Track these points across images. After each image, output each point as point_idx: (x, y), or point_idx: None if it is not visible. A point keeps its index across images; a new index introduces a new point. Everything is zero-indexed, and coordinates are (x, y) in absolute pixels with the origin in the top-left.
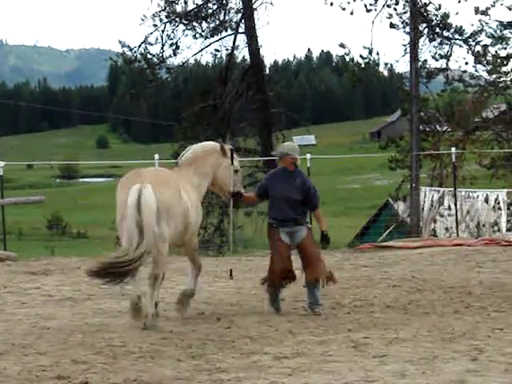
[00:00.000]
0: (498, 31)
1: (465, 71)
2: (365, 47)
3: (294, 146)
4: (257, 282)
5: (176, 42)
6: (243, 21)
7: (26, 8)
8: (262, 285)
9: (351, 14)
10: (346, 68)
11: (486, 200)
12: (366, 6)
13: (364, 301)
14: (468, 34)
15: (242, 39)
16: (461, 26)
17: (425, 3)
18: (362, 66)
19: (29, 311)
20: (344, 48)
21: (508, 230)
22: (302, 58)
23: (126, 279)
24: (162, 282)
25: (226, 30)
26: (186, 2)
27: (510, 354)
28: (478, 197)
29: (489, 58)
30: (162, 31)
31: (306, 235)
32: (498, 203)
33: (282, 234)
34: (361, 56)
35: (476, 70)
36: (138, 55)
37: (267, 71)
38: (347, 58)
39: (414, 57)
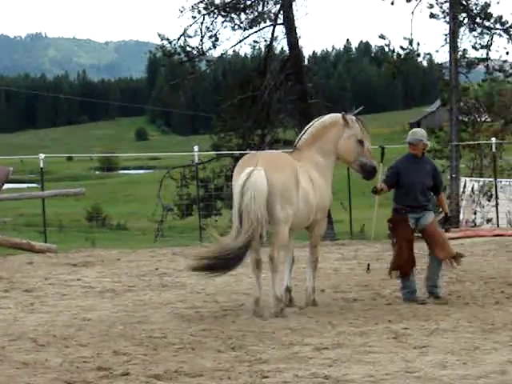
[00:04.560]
0: None
1: (505, 61)
2: (405, 38)
3: (424, 133)
4: (296, 273)
5: (215, 34)
6: (282, 12)
7: (65, 0)
8: (390, 275)
9: (392, 3)
10: (386, 59)
11: None
12: None
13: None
14: (509, 24)
15: (280, 30)
16: (501, 16)
17: None
18: (402, 57)
19: (69, 303)
20: (384, 39)
21: None
22: (341, 49)
23: (233, 268)
24: (291, 266)
25: (265, 22)
26: None
27: None
28: None
29: None
30: (201, 23)
31: (432, 219)
32: None
33: (410, 221)
34: (401, 47)
35: None
36: (178, 48)
37: (306, 62)
38: (387, 49)
39: (454, 47)
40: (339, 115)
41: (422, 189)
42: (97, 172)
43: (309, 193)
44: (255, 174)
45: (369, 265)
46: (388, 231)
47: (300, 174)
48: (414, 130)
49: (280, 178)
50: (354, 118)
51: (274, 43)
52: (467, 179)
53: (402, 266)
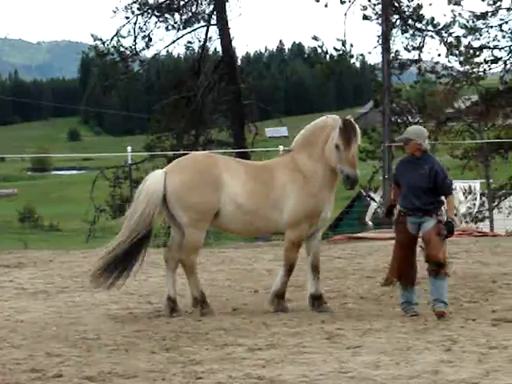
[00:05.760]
0: (471, 22)
1: (437, 62)
2: (338, 39)
3: (419, 130)
4: (229, 273)
5: (148, 35)
6: (215, 12)
7: None
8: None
9: (325, 6)
10: (319, 60)
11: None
12: None
13: (337, 292)
14: (441, 26)
15: (214, 31)
16: (433, 17)
17: None
18: (336, 58)
19: (2, 304)
20: (317, 41)
21: (480, 220)
22: (274, 50)
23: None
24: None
25: (199, 22)
26: None
27: (483, 345)
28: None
29: (461, 49)
30: (135, 23)
31: (432, 226)
32: (470, 194)
33: (409, 224)
34: (334, 48)
35: (448, 61)
36: (111, 48)
37: (239, 63)
38: (320, 51)
39: (386, 48)
40: (330, 117)
41: (415, 191)
42: (29, 173)
43: (240, 197)
44: (151, 178)
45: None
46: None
47: (231, 177)
48: (410, 127)
49: (177, 180)
50: (339, 120)
51: (207, 44)
52: None
53: (393, 270)
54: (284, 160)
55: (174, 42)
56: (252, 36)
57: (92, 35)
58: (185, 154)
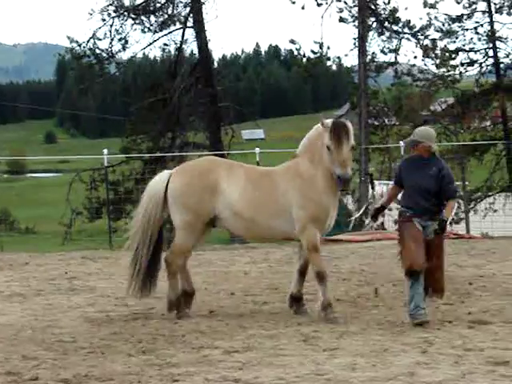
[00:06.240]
0: (447, 25)
1: (413, 65)
2: (315, 42)
3: (428, 132)
4: (206, 276)
5: (125, 37)
6: (191, 15)
7: None
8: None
9: (302, 8)
10: (296, 63)
11: None
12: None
13: (314, 294)
14: (417, 28)
15: (190, 33)
16: (409, 20)
17: None
18: (313, 61)
19: None
20: (294, 44)
21: (456, 222)
22: (251, 53)
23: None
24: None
25: (175, 24)
26: None
27: (459, 347)
28: None
29: (437, 51)
30: (111, 26)
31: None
32: None
33: (415, 223)
34: (312, 51)
35: (425, 64)
36: (87, 50)
37: (215, 65)
38: (298, 54)
39: (363, 51)
40: (327, 120)
41: (422, 193)
42: (5, 175)
43: (237, 205)
44: (157, 178)
45: (376, 289)
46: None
47: (230, 184)
48: (418, 129)
49: (176, 182)
50: (329, 121)
51: (183, 46)
52: (376, 182)
53: (412, 262)
54: (288, 166)
55: (150, 44)
56: (228, 38)
57: (68, 37)
58: (161, 157)
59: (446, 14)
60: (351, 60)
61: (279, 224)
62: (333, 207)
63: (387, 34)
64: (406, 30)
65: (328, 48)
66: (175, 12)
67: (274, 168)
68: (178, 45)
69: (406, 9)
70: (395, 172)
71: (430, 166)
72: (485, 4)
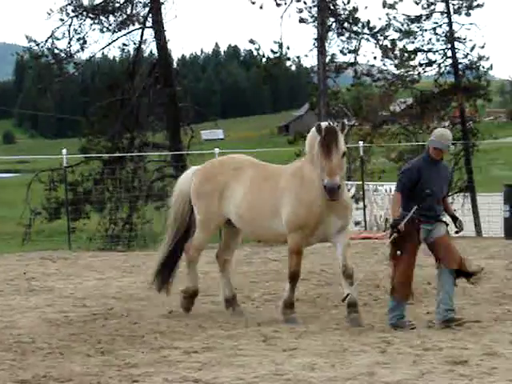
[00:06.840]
0: (406, 25)
1: (373, 65)
2: (275, 42)
3: (451, 135)
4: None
5: (83, 37)
6: (151, 15)
7: None
8: (392, 296)
9: (261, 8)
10: (255, 63)
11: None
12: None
13: (273, 295)
14: (376, 29)
15: (149, 33)
16: (369, 21)
17: None
18: (272, 61)
19: None
20: (254, 44)
21: None
22: (210, 53)
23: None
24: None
25: (134, 24)
26: None
27: (418, 346)
28: (386, 190)
29: (396, 52)
30: (69, 25)
31: (445, 231)
32: None
33: (422, 233)
34: (271, 51)
35: (384, 65)
36: (45, 50)
37: (175, 65)
38: (257, 54)
39: (322, 51)
40: (323, 123)
41: (439, 197)
42: None
43: (240, 208)
44: (184, 174)
45: (347, 295)
46: (390, 241)
47: (236, 187)
48: (442, 132)
49: (194, 183)
50: (323, 125)
51: (142, 46)
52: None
53: (405, 286)
54: (294, 166)
55: (109, 44)
56: (188, 38)
57: (27, 37)
58: (121, 158)
59: (404, 15)
60: (311, 60)
61: (275, 225)
62: (329, 214)
63: (347, 34)
64: (365, 30)
65: (287, 48)
66: (134, 12)
67: (285, 167)
68: (137, 45)
69: (366, 8)
70: (405, 177)
71: (444, 169)
72: (443, 5)
